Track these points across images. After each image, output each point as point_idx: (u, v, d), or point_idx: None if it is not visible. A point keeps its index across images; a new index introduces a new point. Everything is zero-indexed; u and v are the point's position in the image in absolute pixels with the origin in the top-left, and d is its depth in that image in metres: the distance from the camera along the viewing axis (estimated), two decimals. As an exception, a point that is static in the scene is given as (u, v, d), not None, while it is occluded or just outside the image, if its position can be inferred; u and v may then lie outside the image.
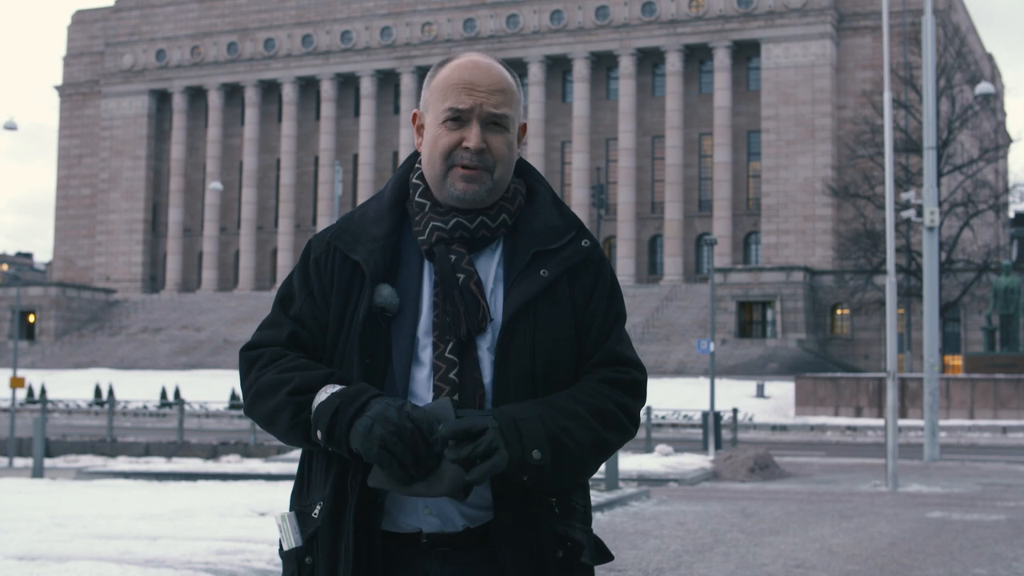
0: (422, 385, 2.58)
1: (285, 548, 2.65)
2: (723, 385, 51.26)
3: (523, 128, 2.75)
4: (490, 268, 2.65)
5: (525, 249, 2.65)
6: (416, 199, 2.71)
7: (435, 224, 2.64)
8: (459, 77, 2.64)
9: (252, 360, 2.68)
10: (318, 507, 2.61)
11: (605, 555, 2.68)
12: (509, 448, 2.45)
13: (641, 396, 2.71)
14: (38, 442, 24.23)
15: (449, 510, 2.58)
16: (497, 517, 2.57)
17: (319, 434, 2.51)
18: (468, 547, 2.59)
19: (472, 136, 2.61)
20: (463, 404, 2.54)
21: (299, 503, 2.69)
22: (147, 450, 31.34)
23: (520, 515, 2.57)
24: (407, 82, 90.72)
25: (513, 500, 2.56)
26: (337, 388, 2.53)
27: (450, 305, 2.58)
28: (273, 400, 2.59)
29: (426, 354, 2.59)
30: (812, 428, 43.88)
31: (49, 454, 28.77)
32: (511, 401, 2.55)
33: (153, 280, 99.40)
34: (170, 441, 32.69)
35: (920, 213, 32.23)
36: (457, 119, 2.63)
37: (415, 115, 2.77)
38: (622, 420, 2.64)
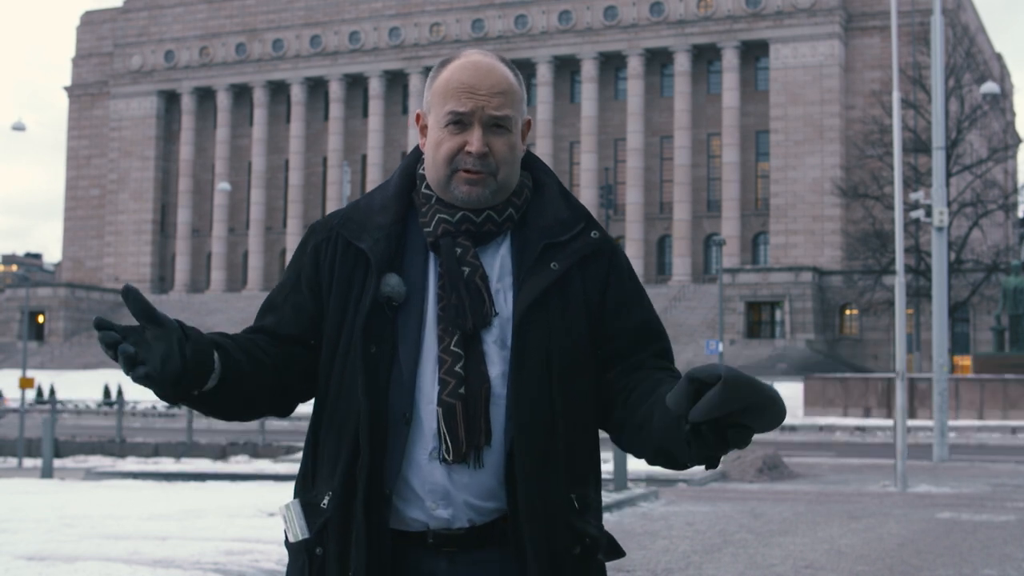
0: (427, 378, 2.55)
1: (291, 539, 2.61)
2: (732, 385, 51.08)
3: (527, 123, 2.74)
4: (496, 261, 2.64)
5: (535, 243, 2.64)
6: (423, 191, 2.70)
7: (441, 216, 2.63)
8: (459, 80, 2.62)
9: None
10: (327, 497, 2.57)
11: (618, 551, 2.67)
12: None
13: None
14: (47, 442, 24.28)
15: (456, 504, 2.53)
16: (513, 512, 2.52)
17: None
18: (477, 545, 2.55)
19: (474, 140, 2.59)
20: (469, 398, 2.52)
21: (305, 494, 2.65)
22: (156, 451, 31.37)
23: (537, 510, 2.52)
24: (415, 83, 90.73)
25: (530, 494, 2.51)
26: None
27: (455, 298, 2.56)
28: None
29: (431, 347, 2.57)
30: (821, 428, 43.77)
31: (58, 455, 28.81)
32: (528, 395, 2.53)
33: (162, 280, 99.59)
34: (179, 442, 32.71)
35: (929, 213, 32.16)
36: (459, 123, 2.61)
37: (418, 115, 2.76)
38: None
